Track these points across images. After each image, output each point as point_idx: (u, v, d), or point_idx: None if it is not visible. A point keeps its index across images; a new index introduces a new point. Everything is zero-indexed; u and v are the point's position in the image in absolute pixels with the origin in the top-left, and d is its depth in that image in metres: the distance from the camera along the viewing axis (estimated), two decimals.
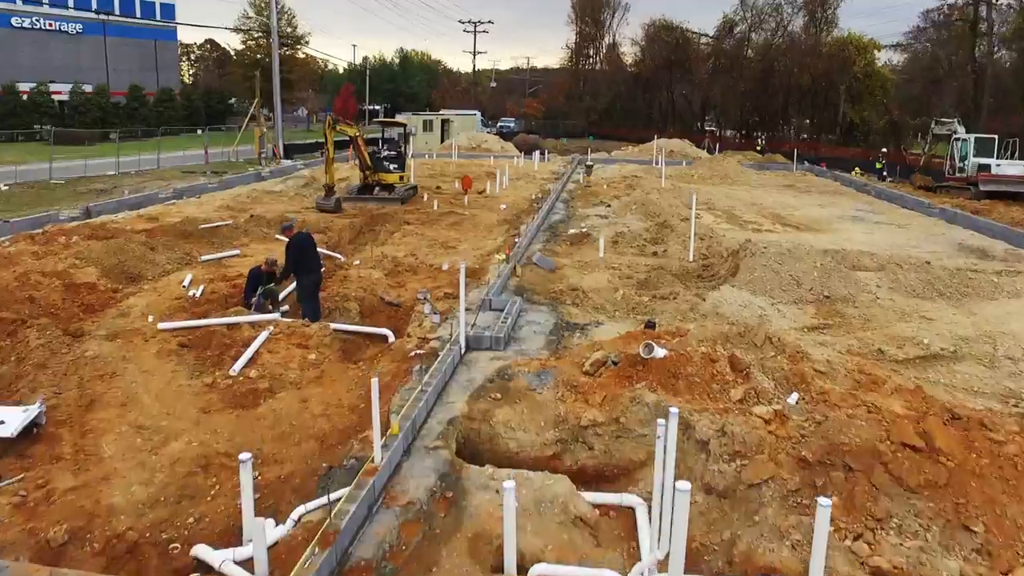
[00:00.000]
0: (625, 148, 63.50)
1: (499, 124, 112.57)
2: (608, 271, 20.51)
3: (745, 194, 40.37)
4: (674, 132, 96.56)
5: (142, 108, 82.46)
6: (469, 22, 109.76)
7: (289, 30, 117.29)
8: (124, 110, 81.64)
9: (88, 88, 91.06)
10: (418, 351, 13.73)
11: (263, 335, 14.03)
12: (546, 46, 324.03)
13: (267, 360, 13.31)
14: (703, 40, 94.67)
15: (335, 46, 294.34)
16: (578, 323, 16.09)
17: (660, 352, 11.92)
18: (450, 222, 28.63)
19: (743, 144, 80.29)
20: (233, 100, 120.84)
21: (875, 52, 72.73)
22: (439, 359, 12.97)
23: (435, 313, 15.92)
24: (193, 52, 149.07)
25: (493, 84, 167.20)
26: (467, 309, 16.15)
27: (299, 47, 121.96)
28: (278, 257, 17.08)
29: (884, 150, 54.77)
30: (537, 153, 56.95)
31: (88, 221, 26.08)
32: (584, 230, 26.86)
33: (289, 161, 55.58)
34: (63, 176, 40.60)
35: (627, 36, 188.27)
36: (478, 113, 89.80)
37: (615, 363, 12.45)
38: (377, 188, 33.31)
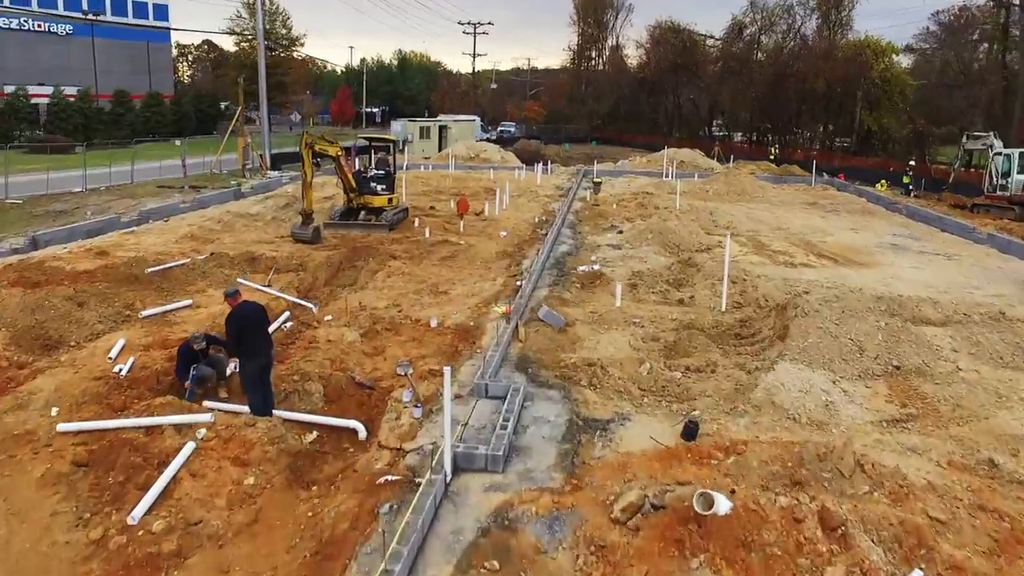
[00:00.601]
0: (632, 158, 60.04)
1: (499, 129, 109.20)
2: (628, 329, 17.08)
3: (767, 215, 36.94)
4: (680, 137, 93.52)
5: (128, 114, 78.84)
6: (468, 23, 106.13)
7: (283, 31, 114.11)
8: (109, 116, 78.06)
9: (73, 91, 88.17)
10: (389, 477, 10.31)
11: (185, 451, 10.60)
12: (546, 47, 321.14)
13: (186, 494, 9.88)
14: (710, 42, 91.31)
15: (332, 47, 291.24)
16: (598, 418, 12.61)
17: (723, 506, 8.49)
18: (443, 255, 25.22)
19: (753, 151, 76.94)
20: (226, 104, 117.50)
21: (893, 56, 69.29)
22: (417, 497, 9.55)
23: (416, 405, 12.54)
24: (191, 53, 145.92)
25: (493, 86, 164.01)
26: (457, 396, 12.80)
27: (294, 48, 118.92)
28: (217, 331, 13.76)
29: (912, 163, 51.21)
30: (540, 165, 53.51)
31: (28, 256, 22.70)
32: (596, 267, 23.45)
33: (276, 173, 52.17)
34: (25, 193, 37.20)
35: (631, 38, 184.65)
36: (477, 119, 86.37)
37: (656, 507, 9.06)
38: (363, 212, 29.87)
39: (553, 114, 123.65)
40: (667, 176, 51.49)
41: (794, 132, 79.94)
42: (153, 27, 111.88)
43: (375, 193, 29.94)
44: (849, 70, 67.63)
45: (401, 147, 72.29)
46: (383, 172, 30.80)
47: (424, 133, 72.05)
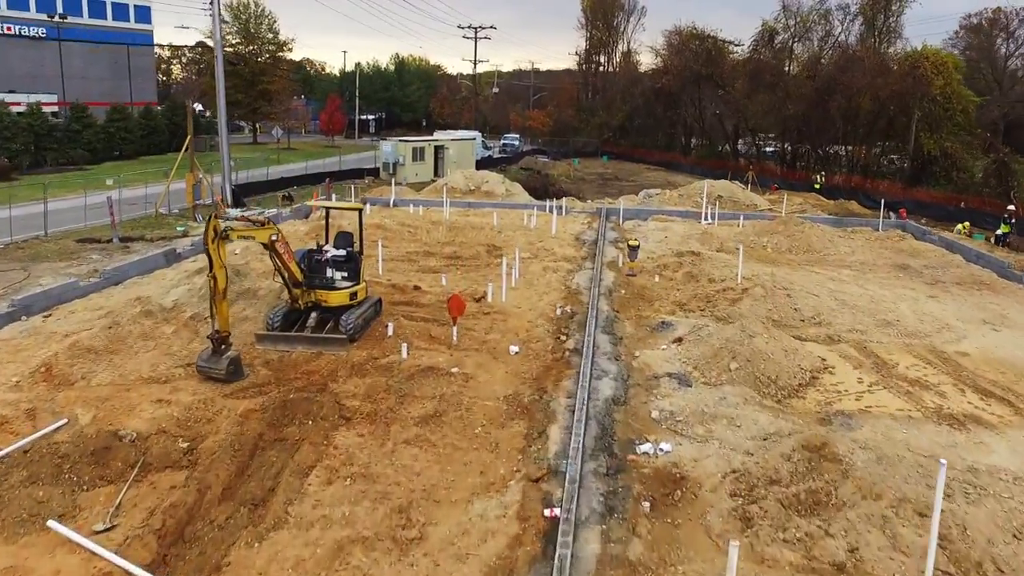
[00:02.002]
0: (662, 192, 50.93)
1: (502, 142, 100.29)
2: None
3: (857, 289, 28.07)
4: (701, 155, 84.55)
5: (86, 131, 69.80)
6: (469, 27, 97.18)
7: (269, 35, 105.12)
8: (66, 132, 69.12)
9: (52, 100, 79.69)
10: None
11: None
12: (549, 48, 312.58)
13: None
14: (735, 50, 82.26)
15: (327, 47, 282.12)
16: None
17: None
18: (424, 410, 16.24)
19: (788, 175, 68.03)
20: (206, 113, 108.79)
21: (952, 70, 60.23)
22: None
23: None
24: (184, 55, 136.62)
25: (495, 90, 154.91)
26: None
27: (281, 53, 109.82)
28: None
29: (1012, 206, 42.29)
30: (552, 204, 44.55)
31: None
32: (666, 450, 14.60)
33: (236, 212, 43.31)
34: None
35: (643, 43, 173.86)
36: (478, 135, 77.41)
37: None
38: (314, 314, 20.89)
39: (559, 125, 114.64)
40: (706, 218, 42.64)
41: (835, 154, 70.84)
42: (134, 30, 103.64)
43: (332, 286, 20.96)
44: (905, 85, 58.59)
45: (392, 170, 63.68)
46: (345, 254, 21.82)
47: (417, 155, 63.15)
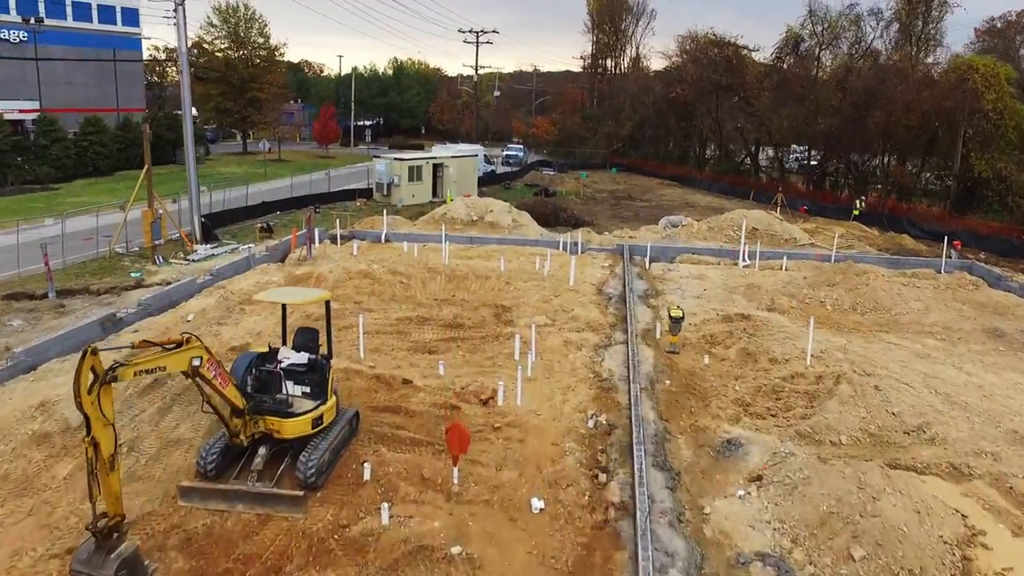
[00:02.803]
0: (689, 223, 45.03)
1: (505, 152, 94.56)
2: None
3: (955, 373, 22.48)
4: (717, 170, 78.93)
5: (54, 145, 64.10)
6: (471, 31, 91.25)
7: (260, 40, 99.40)
8: (34, 147, 63.44)
9: (32, 107, 74.06)
10: None
11: None
12: (547, 49, 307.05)
13: None
14: (755, 57, 76.41)
15: (324, 47, 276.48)
16: None
17: None
18: None
19: (814, 194, 62.37)
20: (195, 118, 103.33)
21: (1004, 82, 54.48)
22: None
23: None
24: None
25: (496, 93, 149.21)
26: None
27: (276, 56, 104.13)
28: None
29: None
30: (569, 243, 38.80)
31: None
32: None
33: (205, 249, 37.63)
34: None
35: (654, 48, 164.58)
36: (480, 151, 71.67)
37: None
38: (263, 449, 15.23)
39: (565, 133, 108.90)
40: (744, 259, 37.03)
41: (870, 174, 65.04)
42: (121, 33, 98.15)
43: (287, 412, 15.27)
44: (953, 100, 52.87)
45: (386, 191, 58.05)
46: (307, 363, 16.11)
47: (414, 175, 57.46)
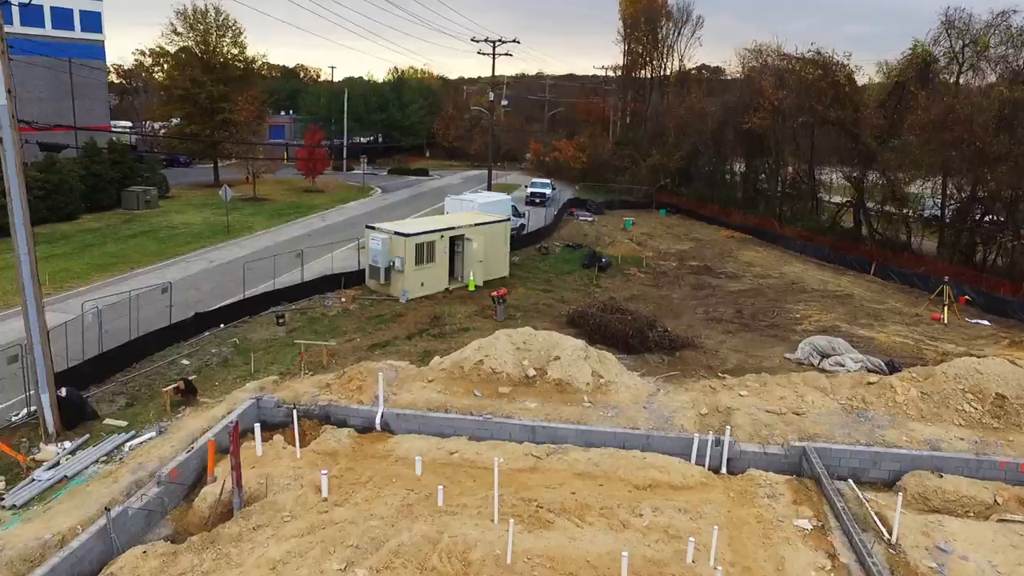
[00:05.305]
0: (879, 383, 27.44)
1: (530, 190, 77.36)
2: None
3: None
4: (807, 223, 61.67)
5: None
6: (486, 41, 73.59)
7: (234, 51, 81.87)
8: None
9: None
10: None
11: None
12: (553, 54, 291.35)
13: None
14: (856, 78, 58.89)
15: (319, 48, 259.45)
16: None
17: None
18: None
19: (960, 274, 45.17)
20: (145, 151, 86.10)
21: None
22: None
23: None
24: (167, 61, 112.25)
25: (504, 103, 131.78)
26: None
27: (254, 70, 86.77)
28: None
29: None
30: (711, 445, 21.63)
31: None
32: None
33: (65, 451, 20.45)
34: None
35: (708, 61, 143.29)
36: (510, 202, 54.28)
37: None
38: None
39: (595, 161, 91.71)
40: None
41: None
42: (80, 40, 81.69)
43: None
44: None
45: (384, 277, 40.98)
46: None
47: (423, 255, 40.18)
